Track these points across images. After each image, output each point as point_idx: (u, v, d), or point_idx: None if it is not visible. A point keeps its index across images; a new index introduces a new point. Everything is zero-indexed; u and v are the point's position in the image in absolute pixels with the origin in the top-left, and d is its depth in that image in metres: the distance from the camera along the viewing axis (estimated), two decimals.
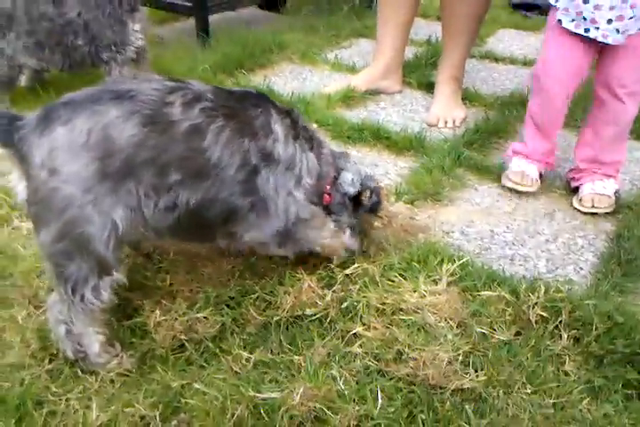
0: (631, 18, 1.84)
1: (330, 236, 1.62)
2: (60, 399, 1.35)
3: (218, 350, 1.49)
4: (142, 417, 1.31)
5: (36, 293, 1.60)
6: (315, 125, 2.62)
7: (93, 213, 1.27)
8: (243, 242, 1.51)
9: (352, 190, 1.64)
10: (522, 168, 2.19)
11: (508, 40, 3.88)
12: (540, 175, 2.23)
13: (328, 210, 1.63)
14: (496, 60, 3.53)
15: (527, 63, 3.46)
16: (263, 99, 1.50)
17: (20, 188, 1.32)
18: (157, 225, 1.36)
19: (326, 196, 1.61)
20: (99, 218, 1.27)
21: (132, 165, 1.28)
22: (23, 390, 1.34)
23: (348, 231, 1.68)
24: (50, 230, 1.28)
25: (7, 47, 2.45)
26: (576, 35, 1.94)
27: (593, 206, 2.09)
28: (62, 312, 1.36)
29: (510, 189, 2.21)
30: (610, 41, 1.88)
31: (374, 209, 1.74)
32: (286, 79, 3.15)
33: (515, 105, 2.82)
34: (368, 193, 1.67)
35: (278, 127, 1.44)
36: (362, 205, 1.69)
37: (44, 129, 1.26)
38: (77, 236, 1.27)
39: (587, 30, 1.91)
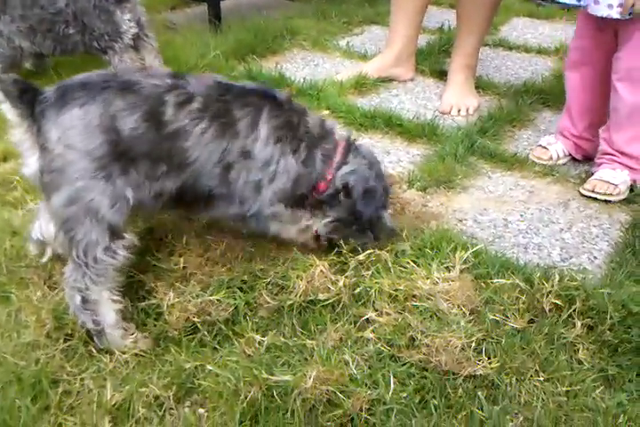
0: None
1: (297, 232, 1.68)
2: (75, 379, 1.36)
3: (231, 333, 1.49)
4: (156, 397, 1.32)
5: (51, 274, 1.61)
6: (326, 112, 2.62)
7: (106, 186, 1.37)
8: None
9: (337, 182, 1.64)
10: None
11: (521, 28, 3.83)
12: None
13: (319, 201, 1.65)
14: (510, 48, 3.50)
15: (541, 52, 3.43)
16: (261, 97, 1.54)
17: (31, 160, 1.40)
18: (150, 207, 1.51)
19: (323, 184, 1.63)
20: (111, 190, 1.38)
21: (133, 154, 1.40)
22: (39, 369, 1.35)
23: (322, 224, 1.67)
24: (61, 194, 1.36)
25: (4, 28, 2.51)
26: None
27: (592, 191, 2.08)
28: (77, 280, 1.40)
29: (525, 177, 2.21)
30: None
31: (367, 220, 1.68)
32: (298, 66, 3.13)
33: (528, 93, 2.79)
34: (344, 190, 1.64)
35: (263, 128, 1.51)
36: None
37: (62, 107, 1.36)
38: (87, 202, 1.36)
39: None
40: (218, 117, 1.47)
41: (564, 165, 2.31)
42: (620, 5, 1.86)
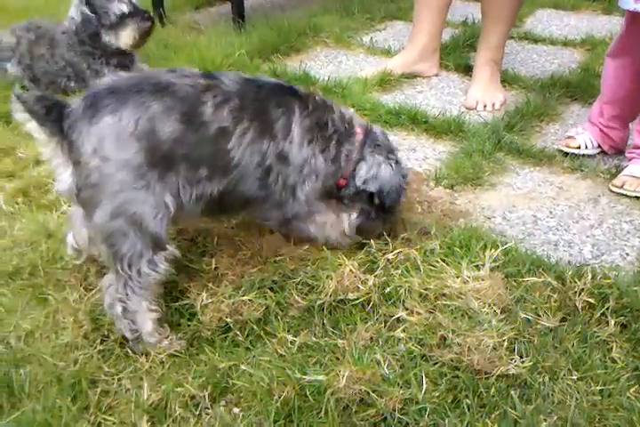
0: None
1: (332, 227, 1.70)
2: (113, 379, 1.39)
3: (262, 333, 1.51)
4: (192, 397, 1.35)
5: (86, 275, 1.64)
6: (351, 110, 2.62)
7: (147, 195, 1.35)
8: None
9: (358, 183, 1.66)
10: None
11: (546, 20, 3.78)
12: None
13: (341, 194, 1.68)
14: (535, 41, 3.45)
15: (567, 44, 3.38)
16: (289, 94, 1.54)
17: (64, 175, 1.37)
18: (191, 211, 1.47)
19: (342, 181, 1.66)
20: (153, 200, 1.36)
21: (172, 158, 1.37)
22: (77, 369, 1.39)
23: (347, 220, 1.70)
24: (104, 210, 1.34)
25: (11, 69, 2.74)
26: None
27: (622, 188, 2.05)
28: (118, 290, 1.40)
29: (554, 173, 2.19)
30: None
31: (381, 209, 1.71)
32: (322, 63, 3.14)
33: (555, 87, 2.76)
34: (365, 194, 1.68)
35: (296, 129, 1.51)
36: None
37: (92, 117, 1.31)
38: (131, 215, 1.34)
39: None
40: (256, 117, 1.45)
41: (593, 158, 2.27)
42: None
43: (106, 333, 1.49)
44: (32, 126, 1.33)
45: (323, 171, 1.58)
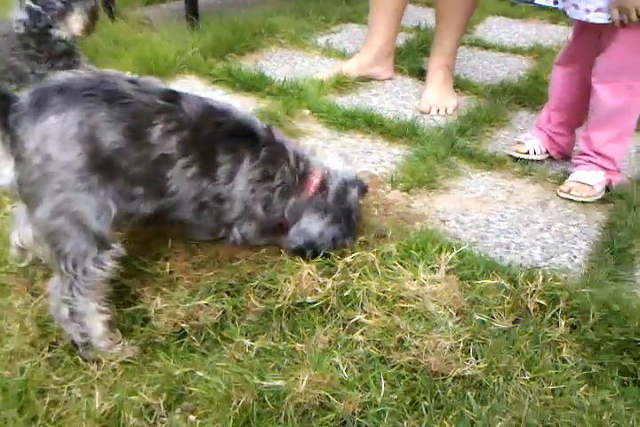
0: None
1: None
2: (62, 388, 1.33)
3: (219, 338, 1.48)
4: (146, 405, 1.31)
5: (33, 280, 1.57)
6: (307, 112, 2.61)
7: (89, 196, 1.32)
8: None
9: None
10: None
11: (496, 28, 3.88)
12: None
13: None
14: (485, 47, 3.54)
15: (516, 51, 3.48)
16: (244, 139, 1.52)
17: (6, 170, 1.33)
18: (120, 223, 1.45)
19: (284, 223, 1.66)
20: (94, 201, 1.34)
21: (111, 167, 1.35)
22: (24, 378, 1.32)
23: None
24: (45, 207, 1.31)
25: None
26: None
27: (569, 193, 2.13)
28: (64, 292, 1.36)
29: (504, 178, 2.25)
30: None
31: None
32: (277, 64, 3.12)
33: (505, 93, 2.83)
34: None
35: (240, 179, 1.51)
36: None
37: (37, 114, 1.28)
38: (73, 213, 1.32)
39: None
40: (202, 156, 1.44)
41: (542, 163, 2.34)
42: (598, 10, 1.90)
43: (54, 340, 1.43)
44: None
45: (260, 217, 1.59)
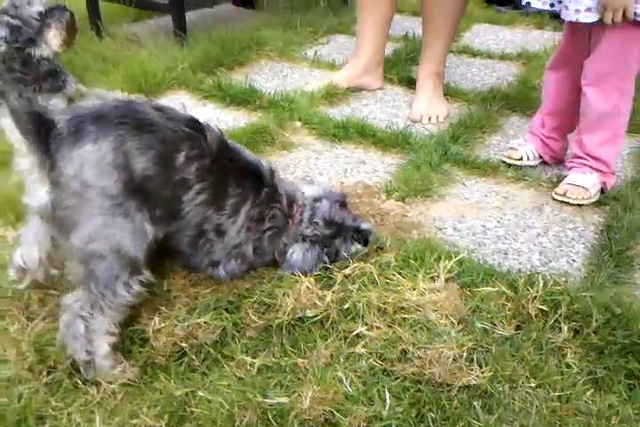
0: None
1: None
2: (62, 413, 1.30)
3: (220, 356, 1.46)
4: None
5: (28, 304, 1.55)
6: (299, 124, 2.61)
7: (126, 222, 1.37)
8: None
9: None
10: None
11: (483, 35, 3.90)
12: None
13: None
14: (473, 54, 3.55)
15: (504, 57, 3.49)
16: (251, 178, 1.59)
17: (41, 192, 1.36)
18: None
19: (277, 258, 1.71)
20: (131, 226, 1.38)
21: (142, 193, 1.40)
22: (22, 405, 1.29)
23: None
24: (82, 233, 1.35)
25: None
26: None
27: (564, 195, 2.13)
28: (84, 308, 1.37)
29: (499, 183, 2.25)
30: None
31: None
32: (267, 77, 3.12)
33: (495, 100, 2.84)
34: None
35: (242, 215, 1.57)
36: None
37: (75, 142, 1.33)
38: (110, 238, 1.36)
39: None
40: (215, 185, 1.50)
41: (535, 168, 2.35)
42: (588, 10, 1.91)
43: (52, 364, 1.40)
44: (15, 137, 1.32)
45: (249, 259, 1.64)
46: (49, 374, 1.39)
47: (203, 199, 1.49)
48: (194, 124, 1.49)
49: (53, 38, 2.49)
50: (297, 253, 1.68)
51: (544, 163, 2.37)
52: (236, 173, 1.56)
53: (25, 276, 1.55)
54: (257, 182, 1.61)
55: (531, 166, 2.35)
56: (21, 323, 1.49)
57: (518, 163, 2.33)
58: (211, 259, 1.60)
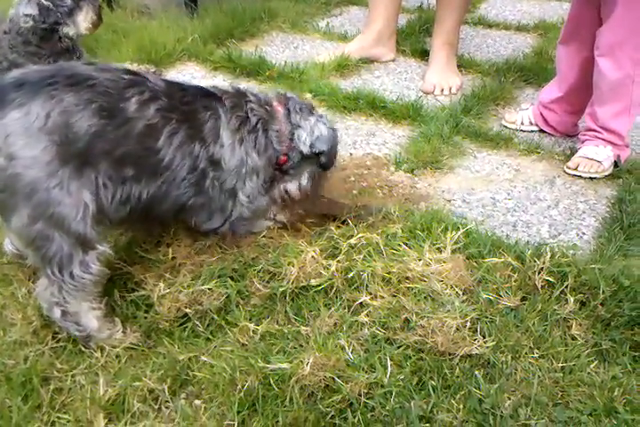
0: None
1: (267, 223, 1.73)
2: (66, 375, 1.33)
3: (224, 323, 1.47)
4: (151, 391, 1.30)
5: (35, 269, 1.56)
6: (309, 95, 2.58)
7: (62, 194, 1.25)
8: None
9: (305, 150, 1.62)
10: None
11: (500, 6, 3.81)
12: None
13: (283, 170, 1.65)
14: (489, 26, 3.47)
15: (520, 29, 3.41)
16: (211, 97, 1.50)
17: None
18: (113, 216, 1.38)
19: (283, 158, 1.62)
20: (69, 199, 1.25)
21: (90, 153, 1.27)
22: (28, 367, 1.32)
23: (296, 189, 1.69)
24: (21, 215, 1.25)
25: None
26: None
27: (576, 169, 2.09)
28: (54, 294, 1.33)
29: (510, 156, 2.22)
30: None
31: (324, 167, 1.70)
32: (278, 48, 3.08)
33: (510, 71, 2.78)
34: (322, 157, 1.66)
35: (225, 133, 1.47)
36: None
37: None
38: (50, 217, 1.25)
39: None
40: (185, 120, 1.40)
41: (549, 140, 2.30)
42: None
43: (57, 329, 1.42)
44: None
45: (260, 166, 1.56)
46: (54, 338, 1.41)
47: (180, 139, 1.38)
48: (131, 71, 1.39)
49: (83, 21, 2.48)
50: (321, 126, 1.61)
51: (559, 135, 2.32)
52: (196, 100, 1.45)
53: (22, 256, 1.52)
54: (216, 98, 1.50)
55: (546, 137, 2.31)
56: (28, 288, 1.51)
57: (513, 126, 2.32)
58: (225, 194, 1.52)
